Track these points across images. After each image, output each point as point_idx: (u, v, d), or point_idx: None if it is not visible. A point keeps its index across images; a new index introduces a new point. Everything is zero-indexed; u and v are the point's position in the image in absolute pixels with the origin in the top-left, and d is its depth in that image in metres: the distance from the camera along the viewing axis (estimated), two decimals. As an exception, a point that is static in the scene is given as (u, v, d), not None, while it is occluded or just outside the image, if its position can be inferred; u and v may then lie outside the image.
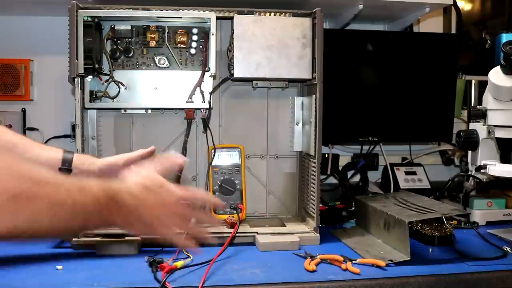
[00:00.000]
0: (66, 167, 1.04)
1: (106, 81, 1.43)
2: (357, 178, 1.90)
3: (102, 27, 1.42)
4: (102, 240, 1.27)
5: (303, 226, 1.44)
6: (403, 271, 1.13)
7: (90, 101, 1.40)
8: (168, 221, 0.89)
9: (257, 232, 1.36)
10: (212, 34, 1.39)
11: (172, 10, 1.38)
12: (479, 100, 1.55)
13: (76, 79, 1.33)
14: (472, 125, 1.49)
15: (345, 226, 1.56)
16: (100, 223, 0.83)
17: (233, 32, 1.40)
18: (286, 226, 1.44)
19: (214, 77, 1.44)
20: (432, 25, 2.03)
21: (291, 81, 1.48)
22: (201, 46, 1.45)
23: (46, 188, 0.69)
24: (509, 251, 1.29)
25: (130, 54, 1.44)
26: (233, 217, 1.39)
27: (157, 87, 1.44)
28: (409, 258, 1.18)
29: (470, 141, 1.46)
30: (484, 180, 1.54)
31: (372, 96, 1.79)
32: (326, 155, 1.82)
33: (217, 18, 1.40)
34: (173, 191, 0.91)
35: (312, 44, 1.41)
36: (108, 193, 0.78)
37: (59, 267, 1.13)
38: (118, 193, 0.81)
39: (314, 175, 1.41)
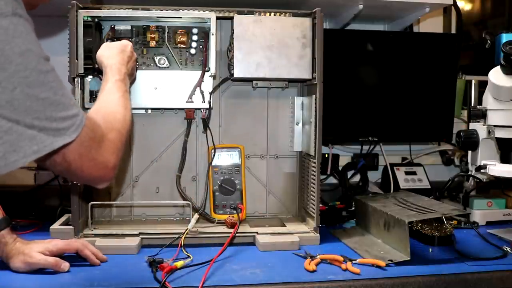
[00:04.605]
0: None
1: (106, 81, 1.43)
2: (357, 178, 1.90)
3: (102, 27, 1.42)
4: (102, 240, 1.27)
5: (303, 226, 1.44)
6: (403, 271, 1.13)
7: (90, 101, 1.40)
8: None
9: (257, 232, 1.36)
10: (212, 34, 1.39)
11: (172, 10, 1.38)
12: (479, 100, 1.56)
13: (76, 79, 1.33)
14: (472, 125, 1.49)
15: (345, 226, 1.56)
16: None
17: (233, 32, 1.40)
18: (286, 226, 1.44)
19: (214, 77, 1.44)
20: (432, 25, 2.03)
21: (291, 81, 1.48)
22: (201, 46, 1.45)
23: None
24: (509, 251, 1.29)
25: (130, 54, 1.44)
26: (233, 217, 1.39)
27: (157, 87, 1.44)
28: (409, 258, 1.18)
29: (470, 141, 1.46)
30: (484, 180, 1.54)
31: (372, 96, 1.79)
32: (326, 155, 1.82)
33: (217, 18, 1.40)
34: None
35: (312, 44, 1.41)
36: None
37: (59, 267, 1.13)
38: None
39: (314, 175, 1.41)
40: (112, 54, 1.17)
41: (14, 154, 0.74)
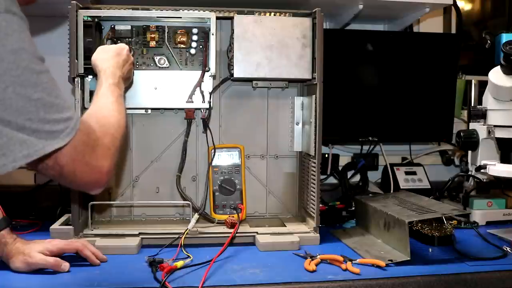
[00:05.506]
0: None
1: (106, 81, 1.43)
2: (357, 178, 1.90)
3: (102, 27, 1.42)
4: (102, 240, 1.27)
5: (303, 226, 1.44)
6: (403, 271, 1.13)
7: (90, 101, 1.39)
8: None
9: (257, 232, 1.36)
10: (212, 34, 1.39)
11: (172, 10, 1.38)
12: (479, 100, 1.56)
13: (76, 79, 1.33)
14: (472, 125, 1.49)
15: (345, 226, 1.55)
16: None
17: (233, 32, 1.40)
18: (286, 226, 1.44)
19: (214, 77, 1.44)
20: (432, 25, 2.03)
21: (291, 81, 1.48)
22: (201, 46, 1.45)
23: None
24: (509, 251, 1.29)
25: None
26: (233, 217, 1.39)
27: (157, 87, 1.44)
28: (409, 258, 1.18)
29: (470, 141, 1.46)
30: (484, 180, 1.54)
31: (372, 96, 1.79)
32: (326, 155, 1.82)
33: (217, 18, 1.40)
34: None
35: (312, 44, 1.41)
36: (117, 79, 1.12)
37: (59, 267, 1.13)
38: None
39: (314, 175, 1.41)
40: (107, 57, 1.15)
41: (3, 158, 0.73)
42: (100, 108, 1.01)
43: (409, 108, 1.81)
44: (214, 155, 1.48)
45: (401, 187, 1.82)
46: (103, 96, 1.05)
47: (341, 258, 1.17)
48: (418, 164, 1.93)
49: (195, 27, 1.44)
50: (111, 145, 0.90)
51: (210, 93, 1.45)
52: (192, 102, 1.45)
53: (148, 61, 1.45)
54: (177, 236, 1.29)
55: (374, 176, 1.94)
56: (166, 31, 1.44)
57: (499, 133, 1.40)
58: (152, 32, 1.43)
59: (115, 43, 1.42)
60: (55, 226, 1.35)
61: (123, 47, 1.21)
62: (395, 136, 1.87)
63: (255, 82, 1.46)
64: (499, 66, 1.37)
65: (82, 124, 0.83)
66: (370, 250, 1.28)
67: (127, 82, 1.22)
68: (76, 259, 1.17)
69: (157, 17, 1.40)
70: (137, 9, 1.37)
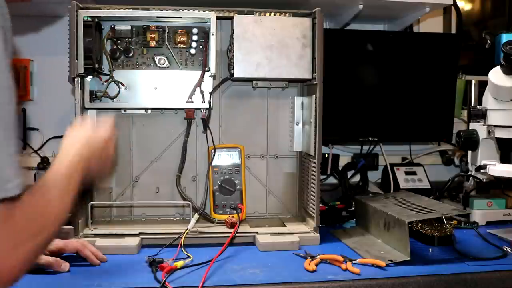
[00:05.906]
0: None
1: (106, 81, 1.43)
2: (357, 178, 1.90)
3: (102, 27, 1.42)
4: (102, 240, 1.27)
5: (303, 226, 1.44)
6: (403, 271, 1.13)
7: (90, 101, 1.40)
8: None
9: (257, 232, 1.36)
10: (212, 34, 1.39)
11: (172, 10, 1.38)
12: (479, 100, 1.56)
13: (76, 79, 1.33)
14: (472, 125, 1.49)
15: (345, 226, 1.56)
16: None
17: (233, 32, 1.40)
18: (286, 226, 1.44)
19: (214, 77, 1.44)
20: (432, 25, 2.03)
21: (291, 81, 1.48)
22: (201, 46, 1.45)
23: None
24: (509, 251, 1.29)
25: (130, 54, 1.44)
26: (233, 217, 1.39)
27: (157, 87, 1.44)
28: (409, 258, 1.18)
29: (470, 141, 1.46)
30: (484, 180, 1.54)
31: (372, 96, 1.79)
32: (326, 155, 1.82)
33: (217, 18, 1.40)
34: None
35: (312, 44, 1.41)
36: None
37: (59, 267, 1.13)
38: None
39: (314, 175, 1.41)
40: (73, 142, 0.91)
41: None
42: (42, 198, 0.77)
43: (409, 108, 1.81)
44: (214, 155, 1.48)
45: (401, 187, 1.82)
46: (51, 184, 0.81)
47: (341, 258, 1.17)
48: (418, 164, 1.93)
49: (195, 27, 1.44)
50: (37, 248, 0.73)
51: (210, 93, 1.45)
52: (192, 102, 1.45)
53: (148, 61, 1.45)
54: (177, 236, 1.29)
55: (374, 176, 1.94)
56: (166, 31, 1.44)
57: (499, 133, 1.40)
58: (152, 32, 1.43)
59: (115, 43, 1.43)
60: (55, 226, 1.34)
61: (104, 137, 0.97)
62: (395, 136, 1.87)
63: (255, 82, 1.46)
64: (499, 66, 1.37)
65: (21, 203, 0.67)
66: (370, 250, 1.28)
67: (97, 180, 0.98)
68: (76, 259, 1.17)
69: (157, 17, 1.40)
70: (137, 9, 1.37)
